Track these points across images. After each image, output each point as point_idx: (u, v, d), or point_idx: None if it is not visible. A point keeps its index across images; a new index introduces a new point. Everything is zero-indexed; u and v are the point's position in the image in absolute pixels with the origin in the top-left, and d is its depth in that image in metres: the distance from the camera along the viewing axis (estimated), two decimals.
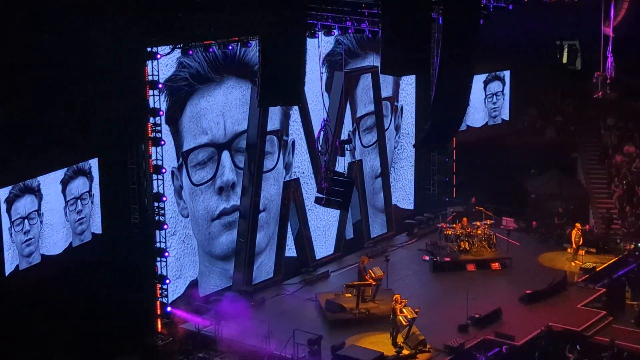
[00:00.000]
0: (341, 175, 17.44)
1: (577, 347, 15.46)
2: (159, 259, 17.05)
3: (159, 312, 17.06)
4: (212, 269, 18.53)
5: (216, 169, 18.21)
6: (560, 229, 22.13)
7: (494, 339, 16.48)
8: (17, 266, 15.06)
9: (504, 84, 25.54)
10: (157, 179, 16.88)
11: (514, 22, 21.57)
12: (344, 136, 20.91)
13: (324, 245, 21.02)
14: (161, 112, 16.75)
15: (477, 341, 16.43)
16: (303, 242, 20.23)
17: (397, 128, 23.41)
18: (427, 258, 20.78)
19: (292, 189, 19.80)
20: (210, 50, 17.38)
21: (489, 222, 21.12)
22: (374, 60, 21.43)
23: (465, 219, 21.13)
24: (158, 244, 17.03)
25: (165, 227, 17.02)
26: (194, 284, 18.10)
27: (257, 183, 18.66)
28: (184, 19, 16.51)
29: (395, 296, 16.33)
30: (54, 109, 15.31)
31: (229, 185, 18.48)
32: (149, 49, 16.38)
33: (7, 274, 14.79)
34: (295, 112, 19.86)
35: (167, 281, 17.16)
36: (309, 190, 20.18)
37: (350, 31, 18.77)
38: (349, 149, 20.53)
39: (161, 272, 17.11)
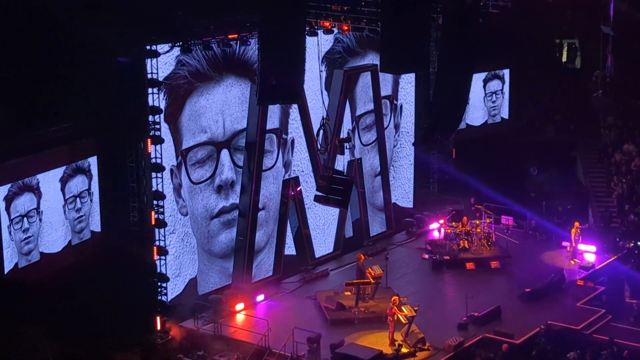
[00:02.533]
0: (340, 173, 17.42)
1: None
2: (158, 257, 17.04)
3: (158, 310, 17.06)
4: (211, 267, 18.52)
5: (215, 167, 18.20)
6: (560, 228, 22.13)
7: (493, 337, 16.47)
8: (17, 264, 15.07)
9: (503, 83, 25.54)
10: (157, 177, 16.87)
11: (514, 20, 21.57)
12: (344, 134, 20.90)
13: (323, 243, 21.02)
14: (160, 110, 16.74)
15: (477, 339, 16.43)
16: (302, 241, 20.23)
17: (397, 126, 23.40)
18: (426, 256, 20.78)
19: (291, 187, 19.80)
20: (210, 48, 17.36)
21: (488, 220, 21.12)
22: (373, 59, 21.40)
23: (465, 217, 21.13)
24: (157, 242, 17.03)
25: (165, 225, 17.01)
26: (193, 282, 18.10)
27: (257, 181, 18.66)
28: (183, 17, 16.50)
29: (394, 298, 16.31)
30: (53, 107, 15.31)
31: (228, 184, 18.47)
32: (148, 47, 16.36)
33: (6, 272, 14.80)
34: (294, 111, 19.84)
35: (167, 279, 17.15)
36: (309, 189, 20.17)
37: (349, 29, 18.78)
38: (348, 147, 20.57)
39: (160, 270, 17.10)
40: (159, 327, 16.94)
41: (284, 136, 19.75)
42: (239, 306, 17.53)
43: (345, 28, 17.61)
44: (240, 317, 17.42)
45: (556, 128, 25.84)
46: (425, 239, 21.72)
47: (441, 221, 21.95)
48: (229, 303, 17.44)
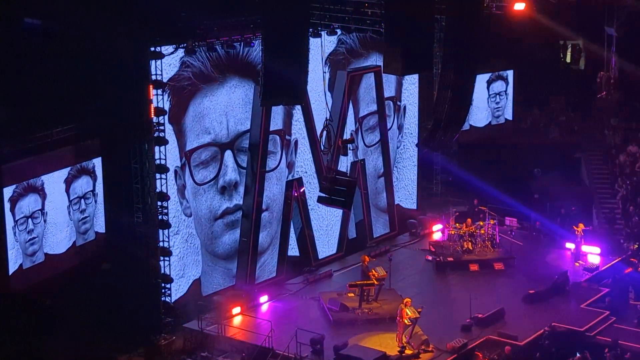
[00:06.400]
0: (344, 174, 17.42)
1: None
2: (162, 258, 17.08)
3: (162, 311, 17.08)
4: (214, 268, 18.55)
5: (219, 168, 18.23)
6: (564, 229, 22.09)
7: (497, 339, 16.46)
8: (21, 265, 15.10)
9: (507, 84, 25.51)
10: (161, 179, 16.90)
11: (517, 21, 21.52)
12: (347, 136, 20.91)
13: (326, 244, 21.03)
14: (164, 112, 16.77)
15: (480, 341, 16.42)
16: (306, 242, 20.24)
17: (400, 127, 23.40)
18: (430, 258, 20.78)
19: (294, 188, 19.82)
20: (214, 49, 17.39)
21: (492, 222, 21.11)
22: (376, 60, 21.42)
23: (469, 219, 21.11)
24: (161, 244, 17.06)
25: (169, 226, 17.04)
26: (196, 283, 18.13)
27: (260, 182, 18.68)
28: (187, 18, 16.53)
29: (406, 300, 16.27)
30: (58, 108, 15.35)
31: (232, 185, 18.50)
32: (152, 49, 16.40)
33: (10, 273, 14.83)
34: (297, 112, 19.87)
35: (170, 280, 17.18)
36: (312, 190, 20.18)
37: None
38: (351, 148, 20.57)
39: (164, 271, 17.13)
40: (162, 328, 16.96)
41: (287, 137, 19.77)
42: (236, 310, 17.41)
43: None
44: (243, 318, 17.43)
45: (560, 129, 25.79)
46: (429, 240, 21.71)
47: (440, 226, 21.94)
48: (228, 306, 17.35)
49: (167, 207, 16.99)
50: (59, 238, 15.79)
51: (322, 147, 18.82)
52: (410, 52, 14.86)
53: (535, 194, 24.01)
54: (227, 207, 18.47)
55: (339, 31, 19.31)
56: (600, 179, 24.04)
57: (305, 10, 15.22)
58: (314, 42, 17.25)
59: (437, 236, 21.94)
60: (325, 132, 17.46)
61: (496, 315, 17.26)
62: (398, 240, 22.48)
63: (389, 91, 22.55)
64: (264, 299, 18.12)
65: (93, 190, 16.42)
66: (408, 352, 15.85)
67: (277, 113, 19.25)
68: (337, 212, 20.72)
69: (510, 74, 25.39)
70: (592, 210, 23.46)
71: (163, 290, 17.16)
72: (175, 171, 17.43)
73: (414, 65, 15.81)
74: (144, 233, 16.85)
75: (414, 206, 23.92)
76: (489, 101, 25.28)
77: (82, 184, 16.20)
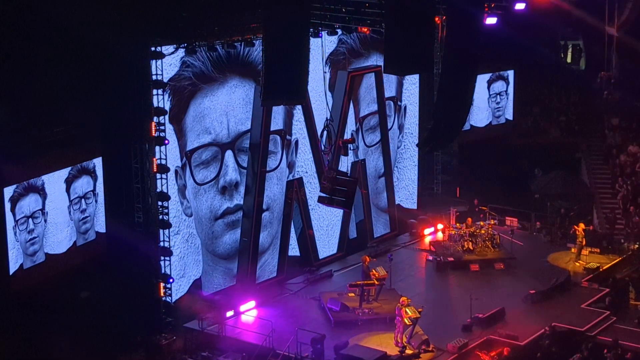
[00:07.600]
0: (344, 174, 17.42)
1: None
2: (162, 258, 17.08)
3: (162, 311, 17.09)
4: (215, 268, 18.56)
5: (219, 168, 18.24)
6: (564, 229, 22.11)
7: (497, 339, 16.47)
8: (22, 265, 15.11)
9: (507, 84, 25.52)
10: (161, 179, 16.91)
11: (518, 21, 21.54)
12: (347, 136, 20.91)
13: (327, 244, 21.03)
14: (165, 112, 16.78)
15: (481, 341, 16.42)
16: (307, 242, 20.25)
17: (401, 127, 23.40)
18: (430, 258, 20.78)
19: (295, 188, 19.83)
20: (214, 49, 17.40)
21: (492, 222, 21.11)
22: (377, 60, 21.43)
23: (470, 219, 21.11)
24: (162, 243, 17.06)
25: (169, 226, 17.04)
26: (197, 283, 18.14)
27: (261, 182, 18.68)
28: (187, 18, 16.54)
29: (402, 298, 16.31)
30: (58, 108, 15.36)
31: (232, 185, 18.51)
32: (153, 49, 16.41)
33: (11, 273, 14.85)
34: (298, 112, 19.88)
35: (171, 280, 17.19)
36: (312, 190, 20.19)
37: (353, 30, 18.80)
38: (352, 148, 20.59)
39: (165, 271, 17.14)
40: (163, 328, 16.97)
41: (287, 137, 19.78)
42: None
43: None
44: (244, 318, 17.43)
45: (560, 129, 25.81)
46: (430, 240, 21.72)
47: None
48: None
49: (167, 207, 17.00)
50: (59, 238, 15.80)
51: (323, 147, 18.83)
52: (411, 52, 14.86)
53: (536, 193, 24.02)
54: (227, 207, 18.48)
55: (339, 31, 19.31)
56: (601, 179, 24.04)
57: (306, 10, 15.21)
58: (314, 42, 17.25)
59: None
60: (325, 132, 17.46)
61: (496, 315, 17.27)
62: (398, 240, 22.49)
63: (389, 91, 22.55)
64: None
65: (93, 190, 16.43)
66: (408, 352, 15.85)
67: (278, 113, 19.26)
68: (338, 212, 20.72)
69: (510, 74, 25.40)
70: (593, 210, 23.46)
71: (164, 290, 17.16)
72: (176, 171, 17.44)
73: (414, 66, 15.80)
74: (145, 233, 16.85)
75: (415, 206, 23.92)
76: (490, 101, 25.28)
77: (83, 184, 16.21)
